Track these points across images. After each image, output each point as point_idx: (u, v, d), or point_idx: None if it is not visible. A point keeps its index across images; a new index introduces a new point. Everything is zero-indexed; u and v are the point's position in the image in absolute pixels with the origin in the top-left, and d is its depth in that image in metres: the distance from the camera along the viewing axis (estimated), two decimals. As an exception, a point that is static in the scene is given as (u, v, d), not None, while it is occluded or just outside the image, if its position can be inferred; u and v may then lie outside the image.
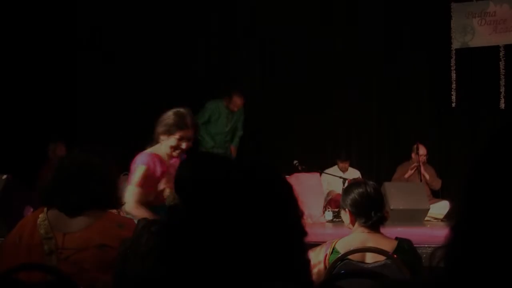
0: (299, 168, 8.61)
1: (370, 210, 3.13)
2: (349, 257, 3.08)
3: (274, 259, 1.41)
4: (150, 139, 4.49)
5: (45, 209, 2.82)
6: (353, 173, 9.25)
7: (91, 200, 2.78)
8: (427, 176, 9.02)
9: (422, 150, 9.15)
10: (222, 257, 1.38)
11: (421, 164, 9.05)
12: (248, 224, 1.41)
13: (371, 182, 3.30)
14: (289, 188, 1.57)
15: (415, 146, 9.19)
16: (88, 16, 10.46)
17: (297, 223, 1.52)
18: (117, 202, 2.97)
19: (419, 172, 9.09)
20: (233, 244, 1.38)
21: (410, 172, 9.18)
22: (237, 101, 9.28)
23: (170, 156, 4.24)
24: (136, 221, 2.58)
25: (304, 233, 1.53)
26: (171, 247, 1.49)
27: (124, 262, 2.35)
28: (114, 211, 3.08)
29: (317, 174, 8.37)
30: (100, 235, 2.73)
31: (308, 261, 1.56)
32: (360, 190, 3.18)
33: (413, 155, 9.28)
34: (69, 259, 2.68)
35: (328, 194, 8.88)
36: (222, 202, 1.44)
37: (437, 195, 9.20)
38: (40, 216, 2.78)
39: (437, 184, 9.22)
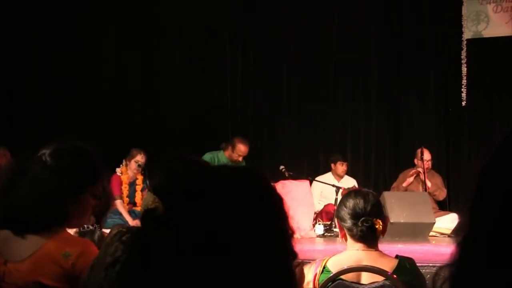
0: (286, 175, 8.62)
1: (357, 220, 3.15)
2: (342, 277, 3.07)
3: (255, 279, 1.41)
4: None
5: None
6: (349, 182, 9.25)
7: (21, 217, 2.56)
8: (429, 184, 9.01)
9: (427, 155, 9.17)
10: (197, 271, 1.38)
11: (424, 171, 9.03)
12: (229, 236, 1.41)
13: (365, 190, 3.32)
14: (279, 200, 1.57)
15: (419, 150, 9.21)
16: (40, 15, 10.53)
17: (285, 241, 1.52)
18: (56, 220, 2.62)
19: (423, 180, 9.07)
20: (210, 258, 1.39)
21: (409, 180, 9.17)
22: (242, 148, 8.94)
23: None
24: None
25: (293, 255, 1.53)
26: (139, 257, 1.49)
27: (90, 272, 2.35)
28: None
29: (307, 182, 8.38)
30: (37, 270, 2.52)
31: (295, 282, 1.56)
32: (350, 199, 3.20)
33: (416, 161, 9.30)
34: None
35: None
36: (202, 208, 1.44)
37: (444, 207, 9.23)
38: None
39: (441, 194, 9.22)
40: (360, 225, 3.12)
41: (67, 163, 2.66)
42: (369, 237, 3.14)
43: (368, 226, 3.11)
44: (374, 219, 3.12)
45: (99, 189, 2.76)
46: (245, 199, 1.48)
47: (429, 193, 8.88)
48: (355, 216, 3.15)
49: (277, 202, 1.54)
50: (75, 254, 2.52)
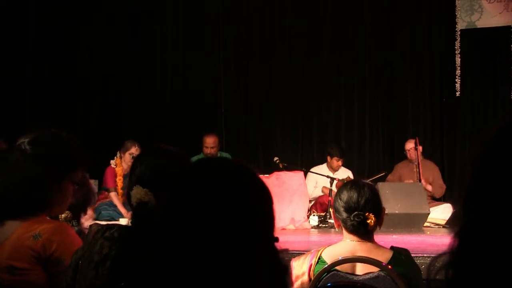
0: (280, 166, 8.61)
1: (350, 214, 3.15)
2: (337, 268, 3.09)
3: (241, 266, 1.41)
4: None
5: None
6: (344, 173, 9.25)
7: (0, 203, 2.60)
8: (429, 188, 8.90)
9: (409, 145, 9.16)
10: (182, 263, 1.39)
11: (419, 163, 8.98)
12: (220, 229, 1.41)
13: (362, 182, 3.32)
14: (263, 192, 1.56)
15: (406, 142, 9.22)
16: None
17: (265, 225, 1.52)
18: (35, 207, 2.64)
19: (418, 173, 9.03)
20: (195, 246, 1.39)
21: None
22: (206, 139, 9.10)
23: None
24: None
25: (273, 238, 1.52)
26: (129, 251, 1.49)
27: (75, 274, 2.34)
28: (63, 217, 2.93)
29: (301, 173, 8.37)
30: (10, 253, 2.52)
31: (284, 270, 1.56)
32: (346, 191, 3.21)
33: (405, 151, 9.32)
34: None
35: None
36: (184, 196, 1.45)
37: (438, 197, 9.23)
38: None
39: (439, 191, 9.18)
40: (352, 219, 3.13)
41: (45, 150, 2.69)
42: (361, 230, 3.15)
43: (359, 221, 3.12)
44: (367, 213, 3.13)
45: (78, 176, 2.76)
46: (233, 192, 1.48)
47: (429, 193, 8.82)
48: (348, 209, 3.16)
49: (261, 193, 1.54)
50: (45, 236, 2.52)
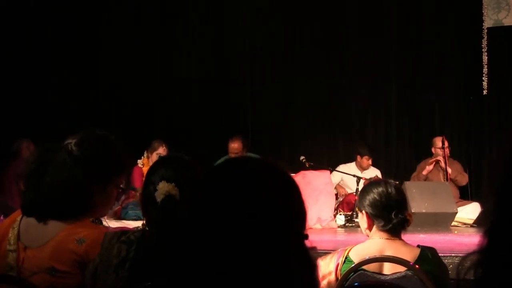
0: (307, 165, 8.60)
1: (390, 212, 3.12)
2: (364, 267, 3.08)
3: (273, 264, 1.41)
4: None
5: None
6: (372, 172, 9.19)
7: (46, 203, 2.59)
8: (449, 170, 8.88)
9: (445, 143, 9.09)
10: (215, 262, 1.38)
11: (446, 159, 8.92)
12: (242, 221, 1.41)
13: (391, 181, 3.29)
14: (289, 183, 1.56)
15: (436, 139, 9.14)
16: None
17: (295, 222, 1.52)
18: (80, 208, 2.64)
19: (444, 169, 8.95)
20: (226, 245, 1.39)
21: (428, 168, 9.05)
22: (230, 145, 8.97)
23: None
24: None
25: (303, 236, 1.52)
26: (154, 251, 1.50)
27: (94, 280, 2.35)
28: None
29: (327, 172, 8.36)
30: (52, 256, 2.53)
31: (314, 269, 1.56)
32: (380, 189, 3.17)
33: (433, 149, 9.23)
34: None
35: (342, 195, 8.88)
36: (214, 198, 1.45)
37: (466, 196, 9.17)
38: (17, 219, 2.68)
39: (462, 179, 9.11)
40: (393, 217, 3.10)
41: (93, 153, 2.70)
42: (398, 229, 3.14)
43: (400, 219, 3.10)
44: (406, 211, 3.12)
45: (123, 180, 2.77)
46: (265, 190, 1.47)
47: (451, 180, 8.79)
48: (386, 207, 3.12)
49: (292, 191, 1.54)
50: (89, 241, 2.53)
